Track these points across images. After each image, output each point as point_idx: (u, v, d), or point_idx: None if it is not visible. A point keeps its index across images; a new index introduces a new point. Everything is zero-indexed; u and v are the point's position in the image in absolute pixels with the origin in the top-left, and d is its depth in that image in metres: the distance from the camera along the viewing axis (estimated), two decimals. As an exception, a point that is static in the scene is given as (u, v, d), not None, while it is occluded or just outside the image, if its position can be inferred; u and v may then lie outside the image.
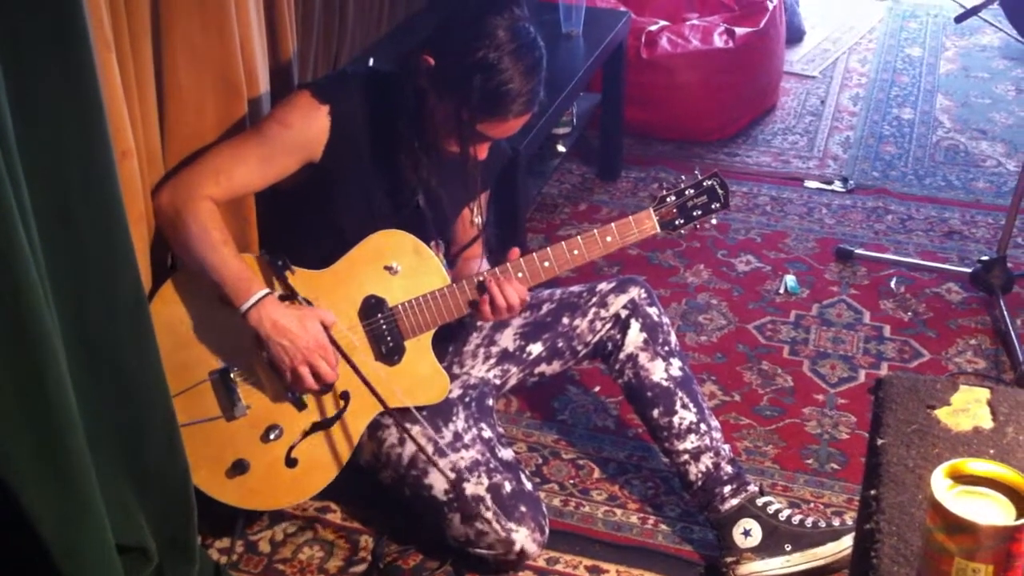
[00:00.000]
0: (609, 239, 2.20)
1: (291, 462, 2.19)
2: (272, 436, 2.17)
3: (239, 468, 2.16)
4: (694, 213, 2.23)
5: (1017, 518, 1.18)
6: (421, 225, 2.23)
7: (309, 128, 2.10)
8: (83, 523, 1.68)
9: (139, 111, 2.00)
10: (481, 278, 2.17)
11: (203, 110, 2.16)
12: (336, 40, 2.86)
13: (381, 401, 2.14)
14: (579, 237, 2.19)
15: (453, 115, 2.05)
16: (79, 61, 1.51)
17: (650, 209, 2.22)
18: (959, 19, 3.16)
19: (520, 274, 2.18)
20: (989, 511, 1.20)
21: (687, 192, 2.22)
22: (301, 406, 2.17)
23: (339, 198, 2.19)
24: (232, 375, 2.15)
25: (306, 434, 2.18)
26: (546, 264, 2.19)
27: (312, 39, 2.70)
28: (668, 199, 2.22)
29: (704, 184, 2.23)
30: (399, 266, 2.18)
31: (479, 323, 2.43)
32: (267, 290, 2.05)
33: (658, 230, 2.22)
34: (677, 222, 2.23)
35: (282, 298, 2.10)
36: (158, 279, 2.15)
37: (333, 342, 2.10)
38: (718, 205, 2.24)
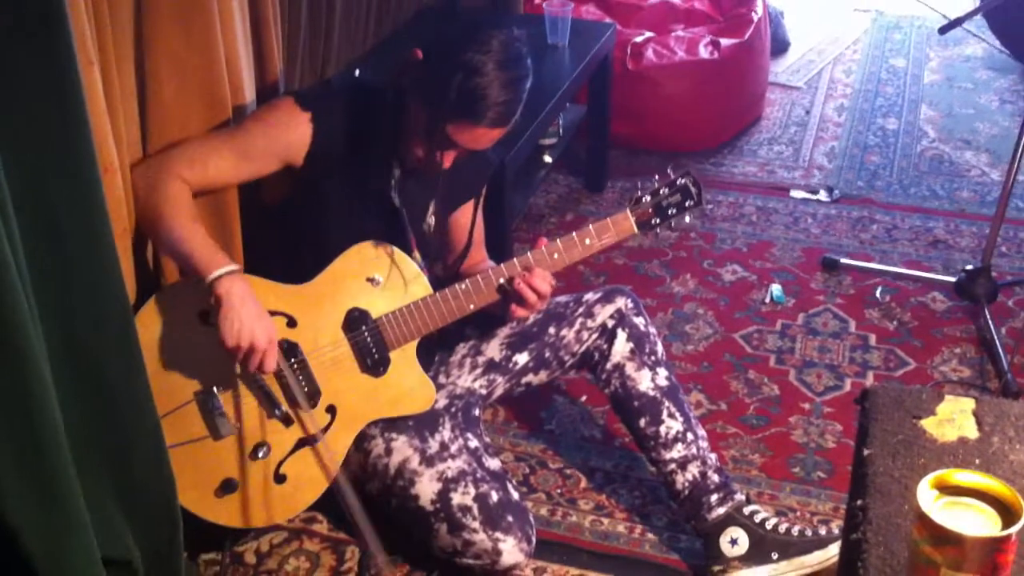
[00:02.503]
0: (588, 241, 2.20)
1: (280, 478, 2.18)
2: (260, 454, 2.16)
3: (228, 487, 2.16)
4: (669, 212, 2.23)
5: (1003, 529, 1.19)
6: (401, 233, 2.23)
7: (289, 132, 2.11)
8: (69, 536, 1.67)
9: (123, 127, 1.99)
10: (463, 287, 2.17)
11: (187, 125, 2.15)
12: (322, 54, 2.86)
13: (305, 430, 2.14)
14: (559, 240, 2.19)
15: (427, 113, 2.05)
16: (63, 76, 1.51)
17: (627, 210, 2.22)
18: (943, 30, 3.17)
19: (501, 279, 2.18)
20: (975, 522, 1.20)
21: (662, 191, 2.22)
22: (288, 422, 2.16)
23: (320, 206, 2.19)
24: (217, 395, 2.14)
25: (293, 450, 2.18)
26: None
27: (298, 53, 2.70)
28: (644, 199, 2.22)
29: (677, 183, 2.22)
30: (381, 278, 2.18)
31: (467, 333, 2.44)
32: (239, 267, 2.03)
33: (636, 230, 2.22)
34: (654, 221, 2.23)
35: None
36: (143, 293, 2.14)
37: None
38: (692, 203, 2.23)
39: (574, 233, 2.19)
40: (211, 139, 2.13)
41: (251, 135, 2.12)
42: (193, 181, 2.09)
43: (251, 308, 2.01)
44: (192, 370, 2.14)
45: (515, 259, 2.19)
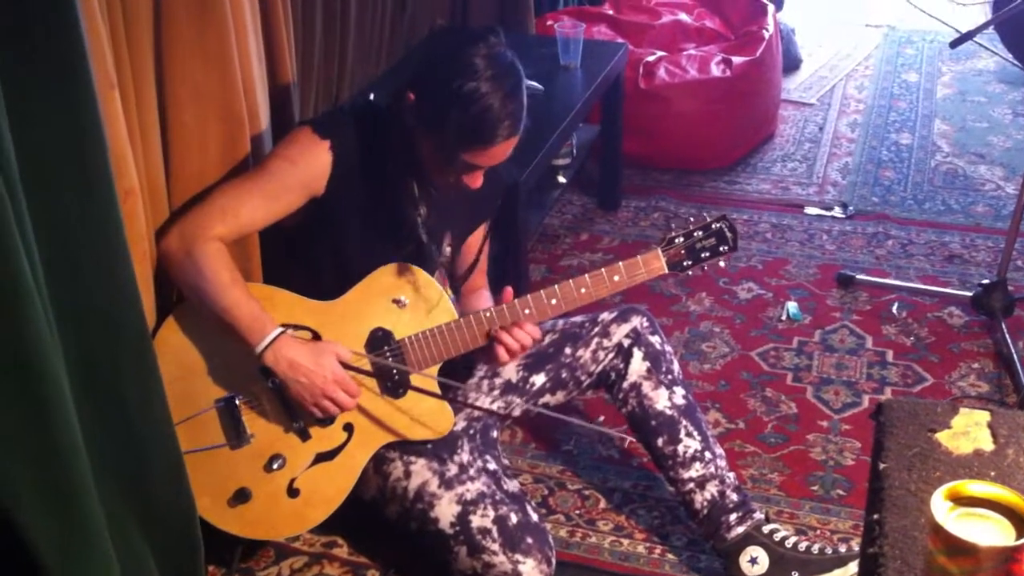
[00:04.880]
0: (617, 278, 2.20)
1: (293, 493, 2.19)
2: (275, 466, 2.17)
3: (241, 497, 2.17)
4: (702, 255, 2.23)
5: (1017, 539, 1.19)
6: (424, 258, 2.24)
7: (312, 164, 2.12)
8: (90, 559, 1.68)
9: (142, 149, 2.02)
10: (487, 314, 2.17)
11: (206, 148, 2.18)
12: (336, 76, 2.89)
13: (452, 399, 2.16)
14: (587, 276, 2.19)
15: (439, 148, 2.07)
16: (81, 99, 1.53)
17: (658, 250, 2.22)
18: (954, 44, 3.17)
19: (527, 311, 2.18)
20: (989, 532, 1.20)
21: (696, 234, 2.22)
22: (305, 436, 2.18)
23: (342, 232, 2.20)
24: (237, 404, 2.16)
25: (309, 465, 2.19)
26: (553, 301, 2.19)
27: (312, 75, 2.73)
28: (676, 240, 2.22)
29: (713, 227, 2.22)
30: (407, 299, 2.19)
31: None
32: (280, 329, 2.06)
33: (666, 271, 2.22)
34: (685, 263, 2.23)
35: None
36: (162, 315, 2.16)
37: (356, 369, 2.13)
38: (726, 248, 2.23)
39: (603, 269, 2.20)
40: (238, 187, 2.13)
41: (276, 174, 2.12)
42: (227, 235, 2.09)
43: (303, 364, 2.06)
44: (214, 378, 2.16)
45: (541, 291, 2.18)
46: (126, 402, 1.78)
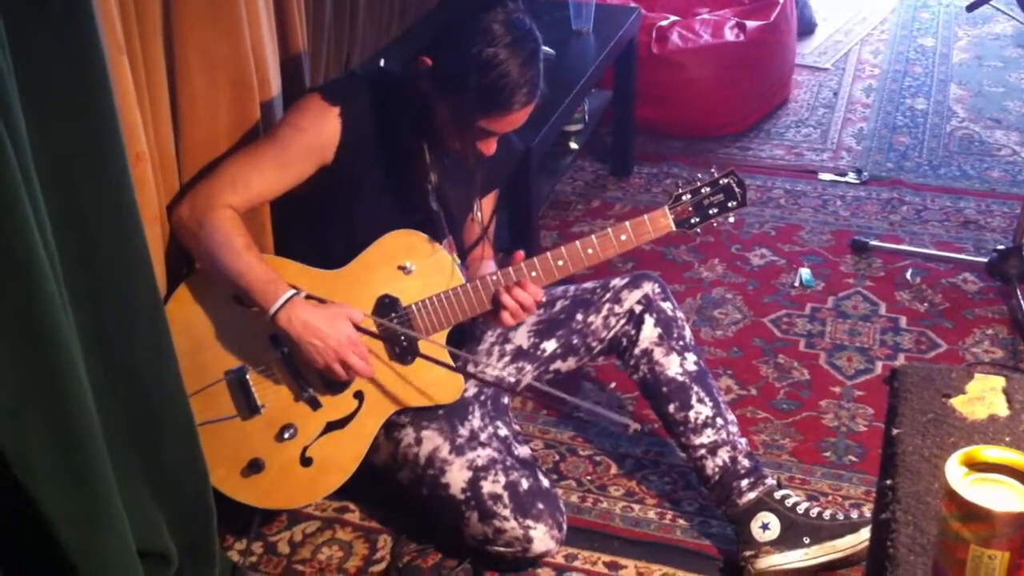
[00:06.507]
0: (624, 238, 2.19)
1: (306, 461, 2.20)
2: (287, 435, 2.17)
3: (254, 467, 2.18)
4: (710, 211, 2.21)
5: (1032, 504, 1.18)
6: (433, 225, 2.23)
7: (322, 131, 2.11)
8: (103, 528, 1.68)
9: (152, 114, 2.01)
10: (494, 278, 2.17)
11: (216, 113, 2.17)
12: (347, 42, 2.87)
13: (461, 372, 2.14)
14: (593, 236, 2.18)
15: (455, 114, 2.06)
16: (91, 65, 1.52)
17: (665, 207, 2.20)
18: (971, 8, 3.14)
19: (534, 273, 2.17)
20: (1004, 498, 1.19)
21: (703, 190, 2.21)
22: (316, 405, 2.18)
23: (351, 200, 2.19)
24: (247, 375, 2.16)
25: (321, 434, 2.19)
26: (560, 263, 2.19)
27: (323, 41, 2.71)
28: (683, 197, 2.20)
29: (720, 182, 2.21)
30: (413, 266, 2.18)
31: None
32: (293, 291, 2.06)
33: (673, 228, 2.20)
34: (693, 220, 2.21)
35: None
36: (173, 281, 2.16)
37: (370, 332, 2.12)
38: (735, 203, 2.22)
39: (609, 229, 2.18)
40: (248, 156, 2.13)
41: (287, 143, 2.11)
42: (239, 204, 2.09)
43: (318, 326, 2.05)
44: (224, 349, 2.16)
45: (548, 253, 2.18)
46: (139, 370, 1.78)
